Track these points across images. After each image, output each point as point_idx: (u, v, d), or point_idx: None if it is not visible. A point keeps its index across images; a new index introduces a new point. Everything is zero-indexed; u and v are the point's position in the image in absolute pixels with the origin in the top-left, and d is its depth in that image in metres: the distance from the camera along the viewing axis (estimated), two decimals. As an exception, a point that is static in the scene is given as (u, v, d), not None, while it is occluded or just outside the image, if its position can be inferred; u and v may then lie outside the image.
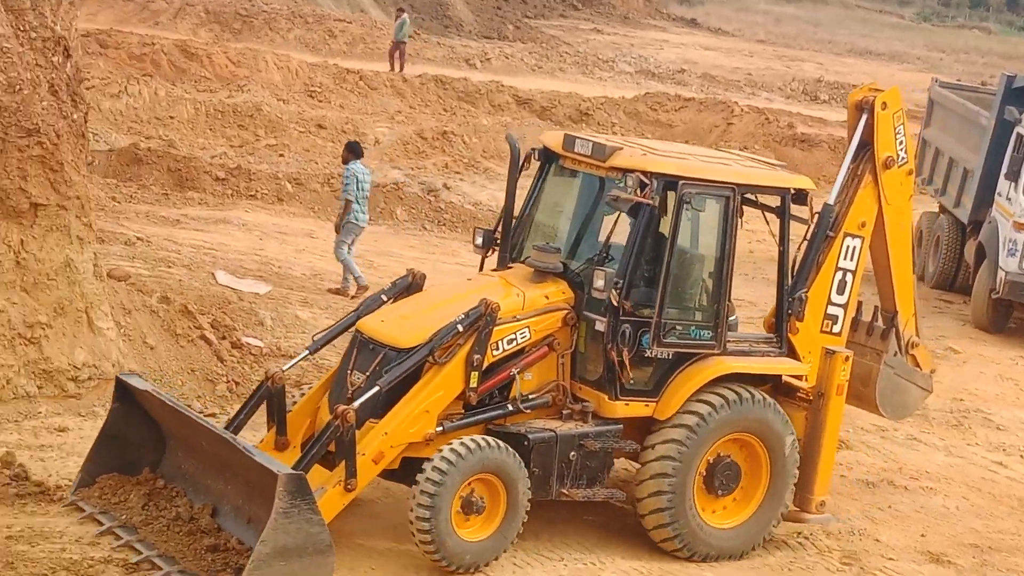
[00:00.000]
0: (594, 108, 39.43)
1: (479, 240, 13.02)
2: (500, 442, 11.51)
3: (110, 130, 29.27)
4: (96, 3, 46.25)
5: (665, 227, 12.27)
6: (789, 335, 12.92)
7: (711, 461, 12.34)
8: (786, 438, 12.49)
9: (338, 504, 11.19)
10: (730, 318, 12.89)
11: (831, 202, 13.23)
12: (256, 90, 35.31)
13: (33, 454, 12.75)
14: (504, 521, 11.59)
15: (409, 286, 12.65)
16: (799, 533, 13.21)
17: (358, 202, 19.35)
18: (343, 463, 11.18)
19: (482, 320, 11.72)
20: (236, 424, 11.88)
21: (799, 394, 13.03)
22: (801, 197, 12.79)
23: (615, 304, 11.88)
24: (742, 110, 38.41)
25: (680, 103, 40.58)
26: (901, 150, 13.46)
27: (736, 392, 12.30)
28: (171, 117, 30.82)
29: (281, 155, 28.75)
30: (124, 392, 11.87)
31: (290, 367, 12.61)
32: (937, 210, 26.70)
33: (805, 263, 13.11)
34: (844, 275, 13.34)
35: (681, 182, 12.06)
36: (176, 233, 21.63)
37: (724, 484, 12.41)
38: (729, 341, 12.51)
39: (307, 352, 12.51)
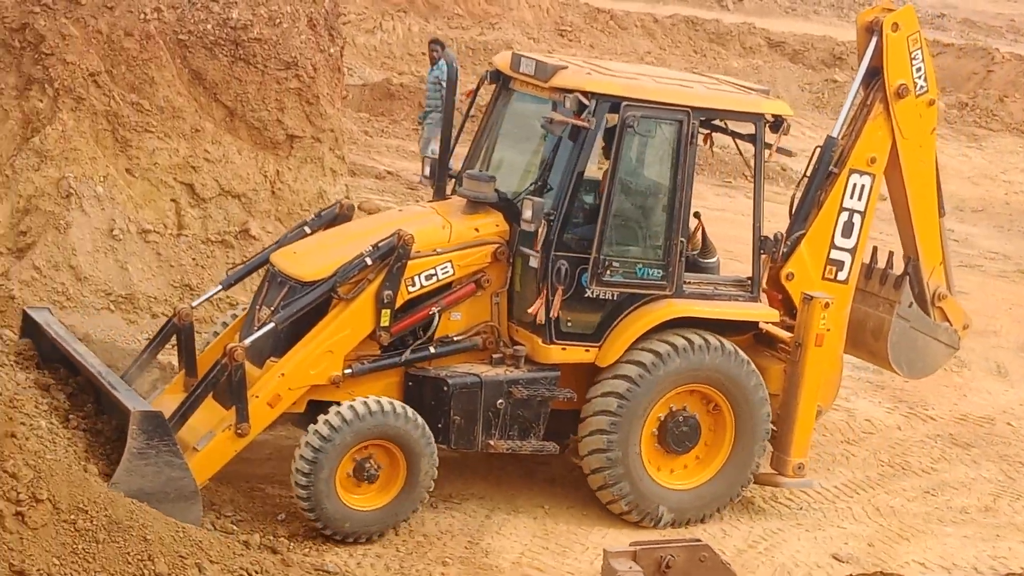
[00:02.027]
0: (848, 52, 38.54)
1: (427, 170, 11.94)
2: (409, 410, 10.37)
3: (364, 65, 29.85)
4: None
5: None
6: (784, 283, 11.76)
7: (664, 415, 11.20)
8: (753, 392, 11.29)
9: (228, 450, 10.14)
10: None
11: (834, 134, 11.98)
12: (507, 28, 35.53)
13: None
14: (400, 495, 10.43)
15: (336, 217, 11.57)
16: None
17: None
18: (234, 406, 10.15)
19: (394, 253, 10.57)
20: (138, 364, 10.95)
21: (782, 345, 11.88)
22: (777, 125, 11.51)
23: (541, 237, 10.65)
24: (1003, 57, 37.09)
25: (938, 49, 39.38)
26: (919, 78, 11.98)
27: (689, 339, 11.08)
28: (423, 53, 31.21)
29: (530, 93, 28.96)
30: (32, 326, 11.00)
31: (199, 303, 11.64)
32: None
33: (804, 202, 11.93)
34: (850, 216, 11.90)
35: (624, 103, 10.79)
36: (426, 168, 21.97)
37: (681, 441, 11.27)
38: (689, 283, 11.25)
39: (219, 288, 11.53)
